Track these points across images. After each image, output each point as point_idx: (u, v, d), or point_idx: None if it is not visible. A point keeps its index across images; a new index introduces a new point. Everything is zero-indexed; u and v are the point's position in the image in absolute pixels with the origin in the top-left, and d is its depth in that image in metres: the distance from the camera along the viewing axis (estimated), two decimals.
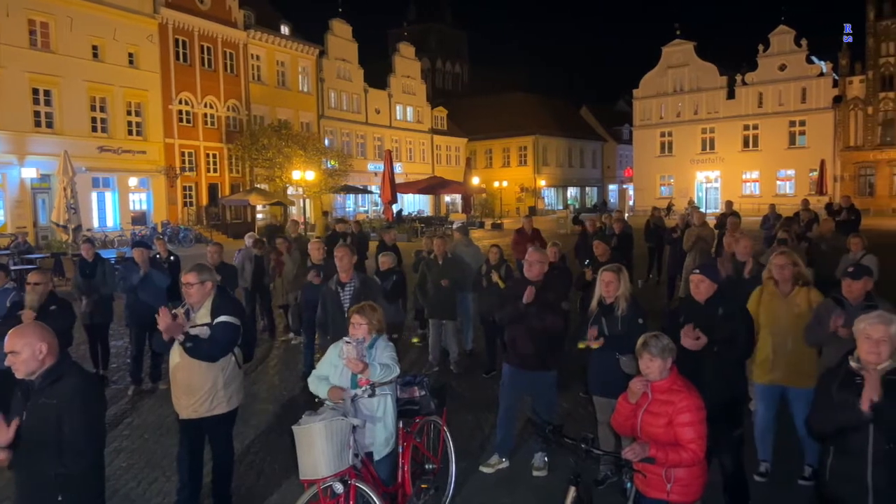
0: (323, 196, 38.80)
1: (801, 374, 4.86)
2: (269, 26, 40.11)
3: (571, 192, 63.46)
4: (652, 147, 55.46)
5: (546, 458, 5.43)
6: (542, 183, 57.75)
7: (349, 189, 41.14)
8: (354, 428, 3.93)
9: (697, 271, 4.46)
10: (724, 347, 4.22)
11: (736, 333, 4.27)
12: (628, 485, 3.73)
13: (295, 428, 3.82)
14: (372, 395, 4.03)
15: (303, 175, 32.89)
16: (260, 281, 10.71)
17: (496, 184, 53.35)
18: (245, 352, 4.76)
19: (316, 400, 4.19)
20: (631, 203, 57.99)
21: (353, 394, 4.04)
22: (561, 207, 55.05)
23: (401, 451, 4.40)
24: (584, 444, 3.57)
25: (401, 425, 4.41)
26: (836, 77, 47.37)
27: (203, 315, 4.45)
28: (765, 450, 5.22)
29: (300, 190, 35.08)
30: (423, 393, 4.65)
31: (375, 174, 42.98)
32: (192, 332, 4.36)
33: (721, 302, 4.39)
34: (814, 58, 48.46)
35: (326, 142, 42.07)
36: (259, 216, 36.70)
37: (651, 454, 3.31)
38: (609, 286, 4.94)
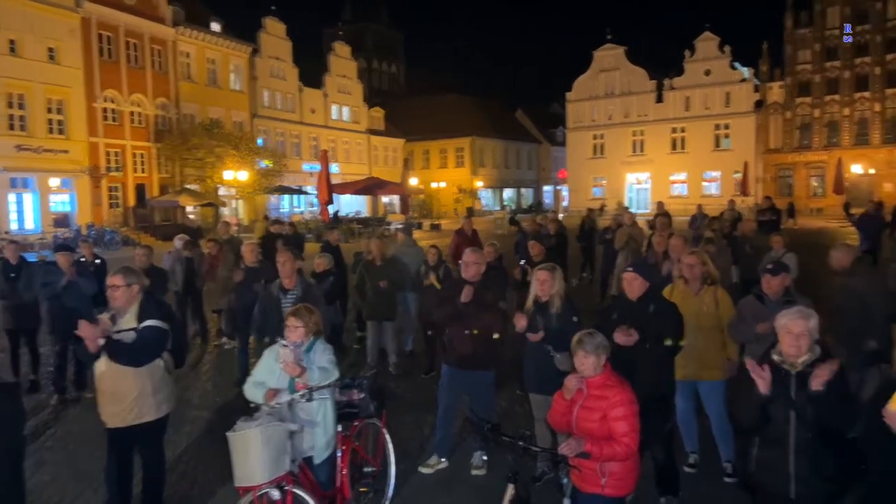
0: (257, 197, 38.06)
1: (710, 368, 5.11)
2: (199, 23, 39.07)
3: (508, 193, 64.21)
4: (584, 149, 56.67)
5: (485, 457, 5.47)
6: (479, 184, 58.20)
7: (284, 189, 40.50)
8: (292, 433, 3.87)
9: (630, 269, 4.58)
10: (656, 343, 4.36)
11: (667, 329, 4.41)
12: (565, 480, 3.80)
13: (230, 434, 3.74)
14: (310, 400, 3.98)
15: (235, 175, 32.18)
16: (191, 284, 10.41)
17: (434, 185, 53.50)
18: (176, 357, 4.62)
19: (252, 405, 4.11)
20: (565, 204, 59.14)
21: (291, 398, 3.98)
22: (498, 208, 55.60)
23: (339, 454, 4.36)
24: (521, 441, 3.61)
25: (340, 429, 4.37)
26: (758, 83, 49.54)
27: (129, 320, 4.30)
28: (691, 442, 5.41)
29: (233, 190, 34.34)
30: (362, 395, 4.61)
31: (311, 174, 42.45)
32: (118, 337, 4.21)
33: (653, 299, 4.53)
34: (736, 64, 50.57)
35: (260, 141, 41.30)
36: (190, 217, 35.72)
37: (586, 449, 3.38)
38: (544, 285, 5.02)
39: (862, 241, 15.26)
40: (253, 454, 3.65)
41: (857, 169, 43.77)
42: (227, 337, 10.17)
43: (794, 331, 3.15)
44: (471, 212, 49.33)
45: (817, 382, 3.02)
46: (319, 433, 4.11)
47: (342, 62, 51.51)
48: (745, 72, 50.30)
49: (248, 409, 4.07)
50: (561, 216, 25.87)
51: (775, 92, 48.82)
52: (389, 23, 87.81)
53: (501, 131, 62.12)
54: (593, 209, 17.86)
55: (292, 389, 4.01)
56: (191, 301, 10.53)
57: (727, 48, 49.98)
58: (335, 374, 4.10)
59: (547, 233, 12.75)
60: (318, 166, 28.35)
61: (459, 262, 5.67)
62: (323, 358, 4.10)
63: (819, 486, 3.13)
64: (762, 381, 3.12)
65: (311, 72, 47.84)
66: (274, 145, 43.03)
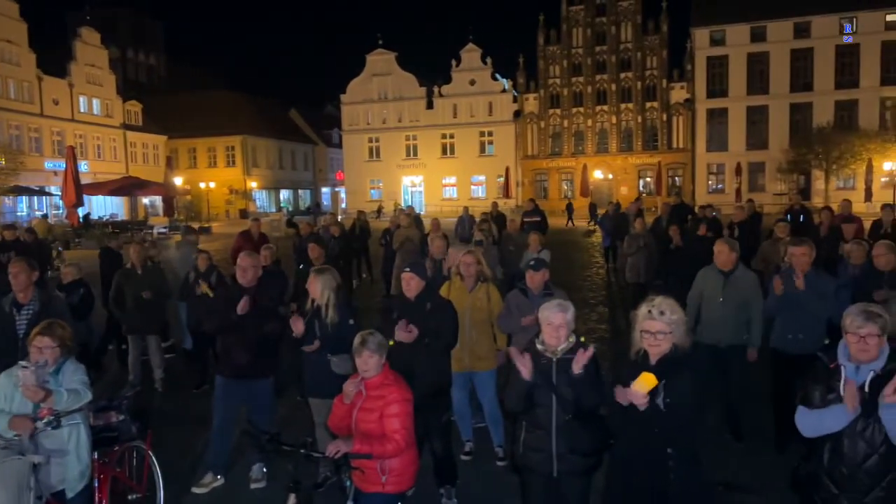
0: None
1: (483, 359, 5.48)
2: None
3: (284, 194, 62.70)
4: (361, 152, 57.29)
5: (265, 469, 5.28)
6: (253, 185, 56.13)
7: (21, 190, 35.56)
8: (36, 466, 3.42)
9: (408, 270, 4.70)
10: (434, 339, 4.52)
11: (443, 325, 4.60)
12: (347, 483, 3.79)
13: None
14: (57, 427, 3.53)
15: None
16: None
17: (202, 185, 50.46)
18: None
19: None
20: (343, 206, 59.24)
21: (34, 427, 3.50)
22: (274, 210, 54.06)
23: (97, 484, 3.93)
24: (302, 448, 3.54)
25: (96, 456, 3.94)
26: (516, 94, 53.82)
27: None
28: (466, 431, 5.73)
29: None
30: (121, 417, 4.22)
31: (55, 173, 37.82)
32: None
33: (429, 297, 4.69)
34: (497, 75, 54.45)
35: None
36: None
37: (355, 449, 3.39)
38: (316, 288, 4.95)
39: (604, 237, 17.29)
40: None
41: (598, 174, 49.52)
42: None
43: (554, 322, 3.46)
44: (243, 214, 47.48)
45: (578, 367, 3.34)
46: (71, 463, 3.68)
47: (91, 50, 46.53)
48: (505, 83, 54.35)
49: None
50: (340, 218, 25.82)
51: (531, 103, 53.37)
52: (146, 10, 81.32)
53: (275, 131, 60.40)
54: (363, 211, 18.20)
55: (35, 416, 3.53)
56: None
57: (489, 60, 53.61)
58: (87, 397, 3.70)
59: (327, 235, 12.69)
60: (63, 164, 25.27)
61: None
62: (74, 379, 3.68)
63: (577, 462, 3.48)
64: (525, 368, 3.38)
65: (53, 59, 42.54)
66: (7, 140, 37.61)
